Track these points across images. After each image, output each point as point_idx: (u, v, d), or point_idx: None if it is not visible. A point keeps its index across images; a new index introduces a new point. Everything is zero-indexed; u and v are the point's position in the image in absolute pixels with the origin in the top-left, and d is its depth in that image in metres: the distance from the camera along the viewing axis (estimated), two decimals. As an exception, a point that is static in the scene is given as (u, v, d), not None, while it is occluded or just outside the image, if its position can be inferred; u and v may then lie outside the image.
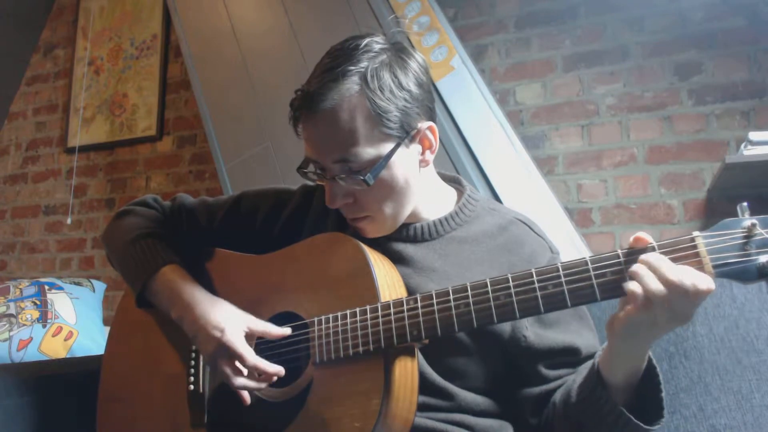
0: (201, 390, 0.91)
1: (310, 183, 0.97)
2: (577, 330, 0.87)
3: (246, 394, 0.84)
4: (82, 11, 3.15)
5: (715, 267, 0.61)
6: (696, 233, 0.63)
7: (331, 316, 0.81)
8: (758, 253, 0.60)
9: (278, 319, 0.88)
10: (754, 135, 1.57)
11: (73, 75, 3.08)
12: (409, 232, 0.91)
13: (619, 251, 0.67)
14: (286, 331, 0.85)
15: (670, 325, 0.65)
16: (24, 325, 2.00)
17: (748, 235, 0.61)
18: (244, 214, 1.04)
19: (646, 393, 0.73)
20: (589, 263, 0.67)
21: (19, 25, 3.14)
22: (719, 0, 1.92)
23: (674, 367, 1.01)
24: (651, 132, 1.97)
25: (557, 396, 0.83)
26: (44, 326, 2.01)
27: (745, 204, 0.64)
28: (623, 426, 0.72)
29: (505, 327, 0.84)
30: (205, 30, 2.28)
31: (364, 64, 0.81)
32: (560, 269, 0.68)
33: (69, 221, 2.89)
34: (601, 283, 0.66)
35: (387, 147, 0.81)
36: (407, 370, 0.78)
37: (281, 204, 1.02)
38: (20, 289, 2.14)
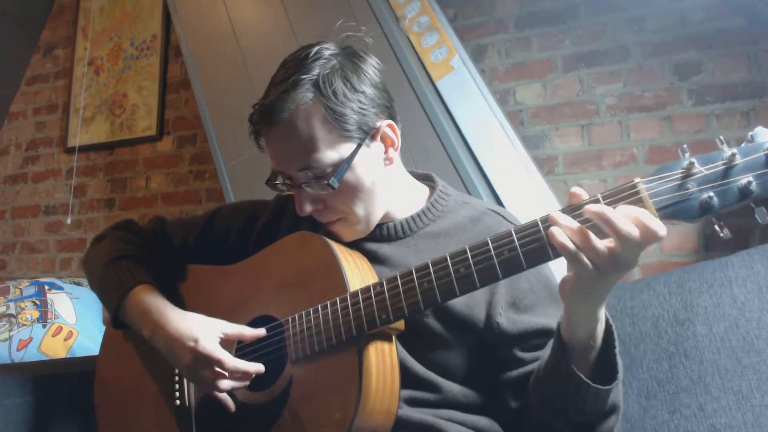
0: (187, 404, 0.91)
1: (282, 194, 0.99)
2: (553, 313, 0.87)
3: (230, 402, 0.85)
4: (82, 11, 3.15)
5: (658, 209, 0.62)
6: (637, 179, 0.64)
7: (303, 312, 0.81)
8: (699, 191, 0.61)
9: (255, 324, 0.89)
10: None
11: (73, 75, 3.08)
12: (383, 231, 0.92)
13: (565, 208, 0.67)
14: (260, 332, 0.86)
15: (616, 277, 0.64)
16: (24, 325, 1.99)
17: (687, 174, 0.62)
18: (217, 232, 1.06)
19: (606, 353, 0.73)
20: (540, 223, 0.67)
21: (19, 25, 3.14)
22: (719, 0, 1.92)
23: (674, 367, 1.01)
24: (651, 132, 1.97)
25: (532, 376, 0.84)
26: (44, 326, 2.01)
27: (685, 146, 0.64)
28: (585, 391, 0.72)
29: (480, 316, 0.85)
30: (205, 30, 2.28)
31: (315, 71, 0.82)
32: (513, 233, 0.68)
33: (69, 221, 2.89)
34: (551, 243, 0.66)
35: (348, 149, 0.83)
36: (384, 356, 0.78)
37: (254, 217, 1.04)
38: (20, 289, 2.14)
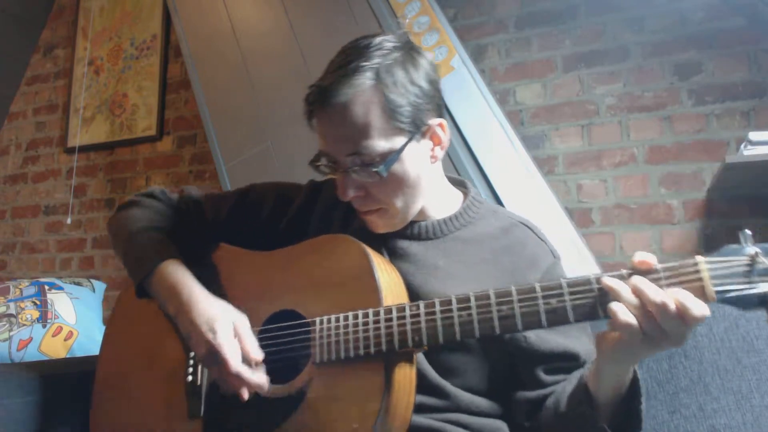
0: (199, 382, 0.91)
1: (319, 178, 0.98)
2: (577, 336, 0.88)
3: (243, 391, 0.84)
4: (82, 11, 3.15)
5: (717, 293, 0.62)
6: (699, 258, 0.63)
7: (333, 316, 0.81)
8: (760, 281, 0.61)
9: (279, 317, 0.89)
10: (754, 135, 1.57)
11: (73, 75, 3.08)
12: (414, 230, 0.92)
13: (624, 271, 0.67)
14: (258, 357, 0.85)
15: (660, 347, 0.65)
16: (24, 325, 2.00)
17: (752, 263, 0.61)
18: (249, 207, 1.04)
19: (630, 405, 0.74)
20: (593, 281, 0.67)
21: (19, 25, 3.14)
22: (719, 0, 1.92)
23: (674, 367, 1.01)
24: (651, 132, 1.97)
25: (549, 401, 0.84)
26: (44, 326, 2.01)
27: (747, 231, 0.64)
28: None
29: None
30: (205, 30, 2.28)
31: (377, 60, 0.82)
32: (564, 285, 0.68)
33: (69, 221, 2.89)
34: (604, 301, 0.66)
35: (399, 141, 0.83)
36: (406, 374, 0.79)
37: (288, 199, 1.03)
38: (20, 289, 2.14)
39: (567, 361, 0.86)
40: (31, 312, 2.04)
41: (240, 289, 0.95)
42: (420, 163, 0.86)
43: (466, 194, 0.99)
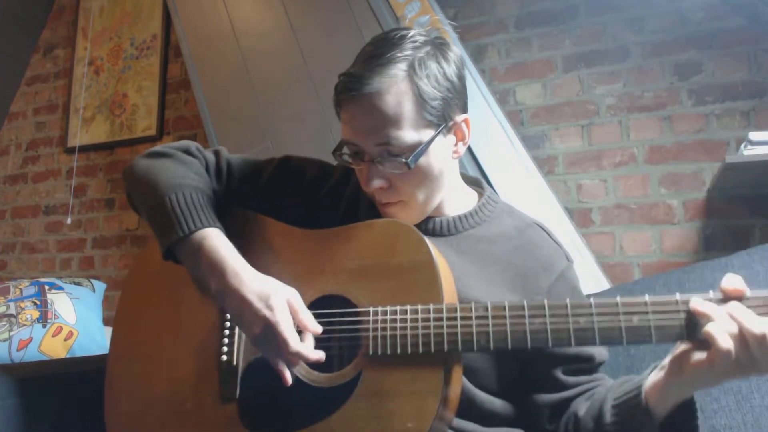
0: (235, 362, 0.86)
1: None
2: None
3: (288, 374, 0.80)
4: (82, 11, 3.15)
5: None
6: None
7: (389, 308, 0.77)
8: None
9: (325, 301, 0.84)
10: (754, 135, 1.57)
11: (73, 75, 3.08)
12: (428, 225, 0.92)
13: (711, 294, 0.67)
14: (317, 329, 0.81)
15: (745, 376, 0.64)
16: (24, 325, 2.00)
17: None
18: (291, 174, 1.00)
19: (683, 416, 0.72)
20: (679, 302, 0.67)
21: (19, 25, 3.14)
22: (719, 0, 1.92)
23: (674, 367, 1.01)
24: (651, 132, 1.97)
25: (581, 408, 0.82)
26: (44, 326, 2.01)
27: None
28: None
29: None
30: (205, 30, 2.28)
31: (409, 52, 0.82)
32: (648, 302, 0.68)
33: (69, 221, 2.89)
34: (691, 324, 0.66)
35: (428, 134, 0.83)
36: (459, 377, 0.77)
37: (326, 173, 1.00)
38: (20, 289, 2.14)
39: (584, 363, 0.85)
40: (31, 312, 2.04)
41: (284, 268, 0.88)
42: (444, 157, 0.86)
43: (481, 193, 0.98)
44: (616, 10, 2.06)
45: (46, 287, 2.18)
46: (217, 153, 1.02)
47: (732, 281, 0.65)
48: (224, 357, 0.87)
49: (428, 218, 0.92)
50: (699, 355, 0.65)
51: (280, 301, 0.79)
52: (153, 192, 0.90)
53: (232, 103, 2.16)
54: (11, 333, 1.96)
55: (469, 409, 0.82)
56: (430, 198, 0.88)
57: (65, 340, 2.02)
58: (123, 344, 0.98)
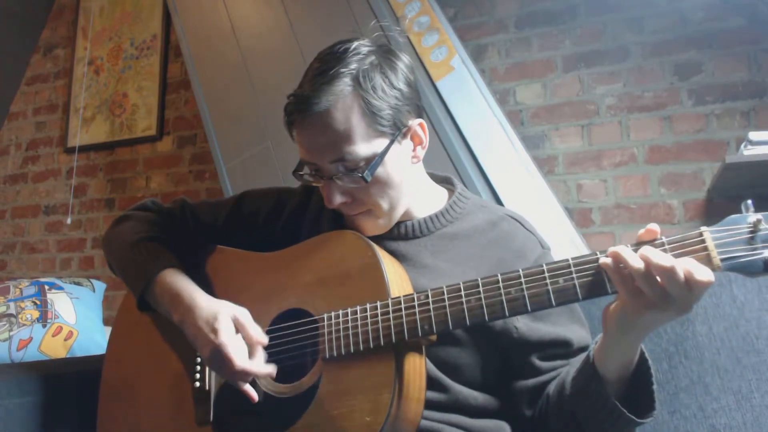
0: (207, 387, 0.90)
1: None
2: (567, 324, 0.88)
3: (253, 392, 0.84)
4: (82, 11, 3.15)
5: (722, 261, 0.63)
6: (704, 228, 0.65)
7: (341, 311, 0.81)
8: (764, 247, 0.62)
9: (286, 316, 0.88)
10: (754, 135, 1.57)
11: (73, 75, 3.08)
12: (401, 229, 0.92)
13: (630, 245, 0.68)
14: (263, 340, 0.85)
15: (666, 316, 0.66)
16: (24, 325, 1.99)
17: (754, 229, 0.63)
18: (246, 214, 1.04)
19: (638, 386, 0.74)
20: (600, 257, 0.68)
21: (19, 25, 3.14)
22: (719, 0, 1.92)
23: (674, 367, 1.01)
24: (651, 132, 1.97)
25: (551, 387, 0.84)
26: (44, 326, 2.01)
27: (749, 201, 0.66)
28: (616, 418, 0.73)
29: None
30: (205, 30, 2.28)
31: (354, 66, 0.83)
32: (571, 263, 0.69)
33: (69, 221, 2.89)
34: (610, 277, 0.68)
35: (381, 144, 0.84)
36: (416, 367, 0.78)
37: (282, 203, 1.04)
38: (20, 289, 2.14)
39: (560, 348, 0.86)
40: (31, 312, 2.04)
41: (244, 291, 0.94)
42: (403, 164, 0.87)
43: (451, 191, 0.99)
44: (616, 10, 2.07)
45: (46, 287, 2.18)
46: (175, 202, 1.11)
47: (648, 229, 0.67)
48: (197, 384, 0.91)
49: (399, 223, 0.92)
50: (618, 302, 0.68)
51: (226, 322, 0.83)
52: (117, 258, 1.01)
53: (232, 103, 2.16)
54: (11, 333, 1.96)
55: (455, 405, 0.84)
56: (395, 205, 0.89)
57: (65, 340, 2.02)
58: (112, 378, 1.04)
